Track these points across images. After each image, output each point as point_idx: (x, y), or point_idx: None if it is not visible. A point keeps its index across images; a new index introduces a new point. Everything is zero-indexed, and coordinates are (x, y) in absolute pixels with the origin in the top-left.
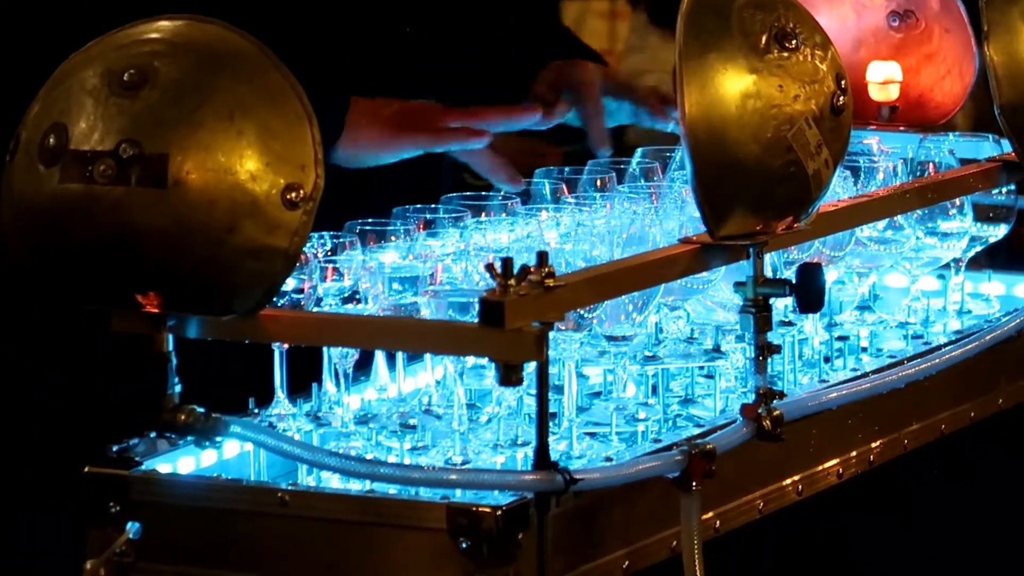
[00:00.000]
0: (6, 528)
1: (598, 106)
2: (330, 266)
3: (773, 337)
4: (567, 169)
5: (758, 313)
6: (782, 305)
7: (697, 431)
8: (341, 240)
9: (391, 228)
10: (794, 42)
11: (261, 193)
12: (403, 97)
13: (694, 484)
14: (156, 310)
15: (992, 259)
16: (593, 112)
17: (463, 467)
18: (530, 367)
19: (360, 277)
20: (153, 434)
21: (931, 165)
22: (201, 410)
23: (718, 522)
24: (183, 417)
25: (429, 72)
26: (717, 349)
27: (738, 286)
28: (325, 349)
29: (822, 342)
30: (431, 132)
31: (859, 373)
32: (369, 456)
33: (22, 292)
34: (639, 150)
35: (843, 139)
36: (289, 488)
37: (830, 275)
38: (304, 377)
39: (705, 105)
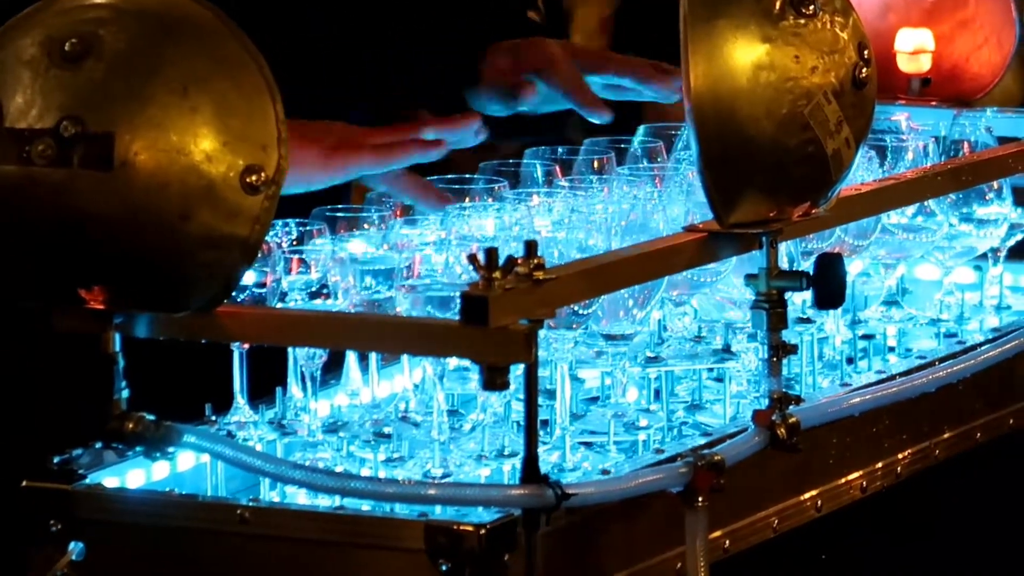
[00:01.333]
0: None
1: (575, 74)
2: (295, 257)
3: (789, 336)
4: (561, 149)
5: (772, 309)
6: (799, 300)
7: (704, 440)
8: (308, 228)
9: (364, 215)
10: (812, 7)
11: (218, 176)
12: (320, 94)
13: (700, 499)
14: (101, 306)
15: None
16: (573, 82)
17: (443, 481)
18: (518, 369)
19: (329, 269)
20: (99, 444)
21: (966, 144)
22: (151, 418)
23: (727, 541)
24: (131, 425)
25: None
26: (727, 349)
27: (750, 279)
28: (290, 349)
29: (844, 341)
30: (375, 150)
31: (885, 376)
32: (339, 469)
33: None
34: (641, 127)
35: (866, 115)
36: (250, 504)
37: (853, 267)
38: (267, 381)
39: (712, 77)
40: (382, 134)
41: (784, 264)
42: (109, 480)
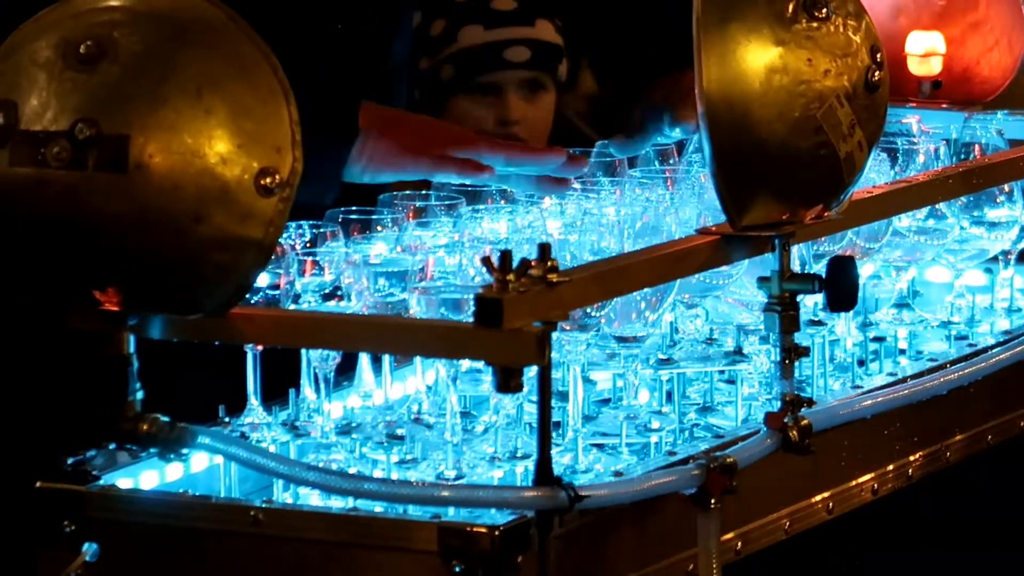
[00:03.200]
0: None
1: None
2: (309, 259)
3: (801, 338)
4: (573, 151)
5: (784, 311)
6: (811, 303)
7: (716, 442)
8: (321, 230)
9: (377, 217)
10: (825, 10)
11: (232, 178)
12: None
13: (713, 501)
14: (115, 307)
15: None
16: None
17: (456, 483)
18: (531, 371)
19: (342, 271)
20: (112, 445)
21: (977, 147)
22: (165, 419)
23: (739, 543)
24: (145, 426)
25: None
26: (739, 351)
27: (762, 282)
28: (303, 351)
29: (856, 343)
30: (435, 158)
31: (897, 378)
32: (352, 470)
33: None
34: None
35: (879, 118)
36: (263, 505)
37: (864, 269)
38: (280, 382)
39: (725, 81)
40: (466, 142)
41: (796, 267)
42: (123, 481)
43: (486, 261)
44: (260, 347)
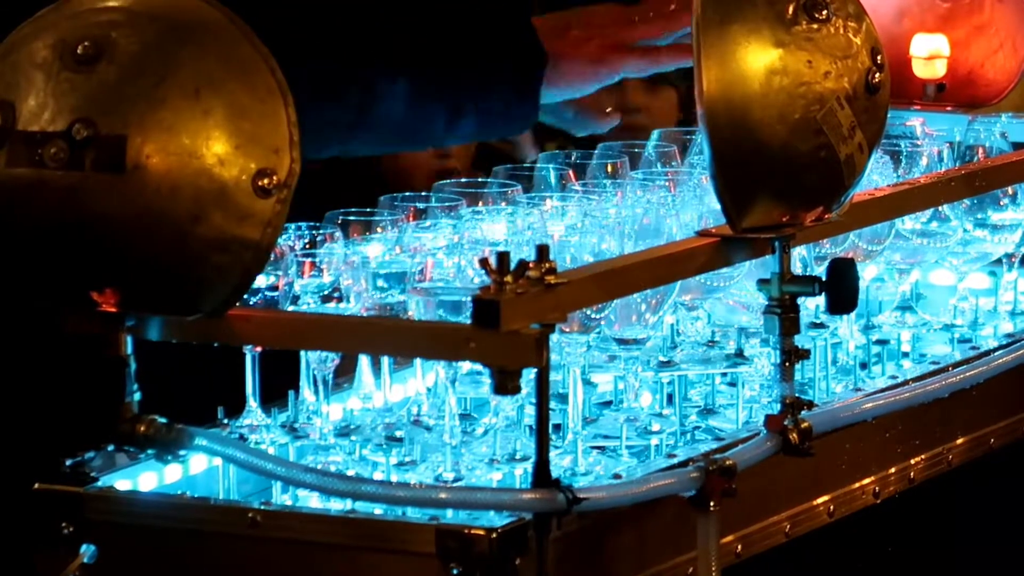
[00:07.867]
0: None
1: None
2: (308, 260)
3: (802, 340)
4: (575, 153)
5: (784, 314)
6: (812, 305)
7: (716, 445)
8: (320, 231)
9: (377, 218)
10: (825, 12)
11: (230, 179)
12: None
13: (712, 504)
14: (113, 309)
15: None
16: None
17: (455, 485)
18: (530, 374)
19: (341, 273)
20: (111, 447)
21: (981, 149)
22: (163, 420)
23: (739, 546)
24: (143, 428)
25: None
26: (740, 354)
27: (762, 284)
28: (302, 353)
29: (858, 346)
30: (644, 54)
31: (899, 381)
32: (351, 472)
33: None
34: (655, 132)
35: (879, 120)
36: (262, 507)
37: (867, 271)
38: (279, 384)
39: (725, 82)
40: (645, 30)
41: (797, 269)
42: (121, 483)
43: (483, 262)
44: (259, 348)
